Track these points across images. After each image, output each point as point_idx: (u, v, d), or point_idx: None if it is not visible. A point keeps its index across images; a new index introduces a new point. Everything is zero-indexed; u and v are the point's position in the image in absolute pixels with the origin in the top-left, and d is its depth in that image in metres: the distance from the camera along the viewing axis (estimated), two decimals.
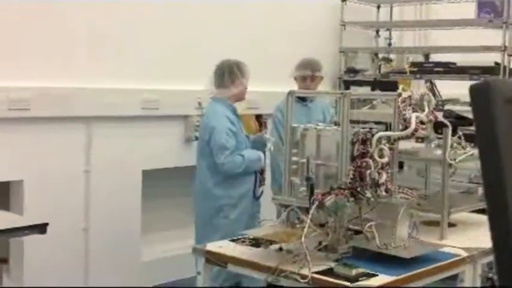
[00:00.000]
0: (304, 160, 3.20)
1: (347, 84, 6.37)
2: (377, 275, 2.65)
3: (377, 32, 6.90)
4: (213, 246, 3.09)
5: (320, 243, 2.86)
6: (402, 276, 2.67)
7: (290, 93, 3.42)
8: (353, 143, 3.01)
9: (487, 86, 0.68)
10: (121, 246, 4.72)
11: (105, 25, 4.61)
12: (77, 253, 4.51)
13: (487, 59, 5.73)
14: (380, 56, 6.80)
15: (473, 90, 0.69)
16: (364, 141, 2.99)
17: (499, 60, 5.60)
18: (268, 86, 5.15)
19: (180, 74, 4.99)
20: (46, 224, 3.38)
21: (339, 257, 2.82)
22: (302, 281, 2.60)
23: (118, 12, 4.67)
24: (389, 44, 6.94)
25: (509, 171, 0.67)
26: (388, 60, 6.64)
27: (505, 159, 0.67)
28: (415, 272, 2.72)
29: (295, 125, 3.30)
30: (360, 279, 2.60)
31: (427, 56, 6.58)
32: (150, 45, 4.87)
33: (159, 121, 4.95)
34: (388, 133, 3.07)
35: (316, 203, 2.77)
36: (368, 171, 2.89)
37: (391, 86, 5.56)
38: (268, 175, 4.61)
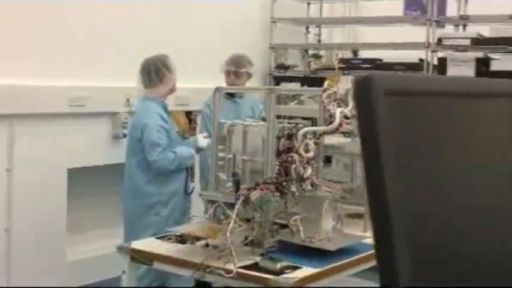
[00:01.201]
0: (231, 156, 3.21)
1: (277, 80, 6.41)
2: (301, 268, 2.69)
3: (307, 28, 6.97)
4: (138, 244, 3.05)
5: (246, 238, 2.87)
6: (326, 268, 2.71)
7: (217, 89, 3.43)
8: (279, 138, 3.04)
9: (368, 79, 0.69)
10: (45, 247, 4.60)
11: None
12: None
13: (417, 56, 5.86)
14: (310, 52, 6.88)
15: (355, 83, 0.70)
16: (290, 137, 3.02)
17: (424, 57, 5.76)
18: (198, 82, 5.12)
19: (108, 71, 4.90)
20: None
21: (265, 251, 2.84)
22: (227, 275, 2.60)
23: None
24: (319, 41, 7.02)
25: (388, 165, 0.68)
26: (317, 57, 6.71)
27: (384, 152, 0.68)
28: (338, 263, 2.77)
29: (222, 120, 3.31)
30: (285, 272, 2.63)
31: (355, 53, 6.69)
32: (74, 41, 4.76)
33: (86, 118, 4.85)
34: (313, 128, 3.11)
35: (242, 198, 2.79)
36: (293, 166, 2.92)
37: (321, 82, 5.61)
38: (197, 170, 4.60)
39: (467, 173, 0.86)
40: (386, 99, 0.68)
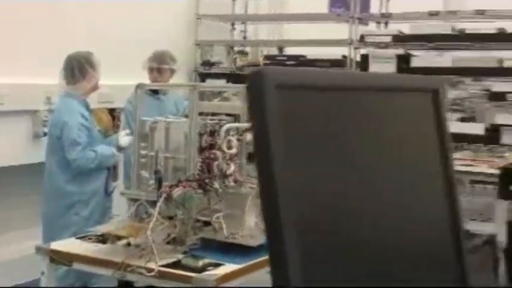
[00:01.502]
0: (153, 153, 3.17)
1: (203, 77, 6.39)
2: (224, 265, 2.68)
3: (232, 25, 6.97)
4: (57, 245, 2.98)
5: (168, 235, 2.84)
6: (248, 264, 2.72)
7: (138, 86, 3.38)
8: (201, 135, 3.03)
9: (259, 73, 0.69)
10: None
11: None
12: None
13: (342, 52, 5.94)
14: (235, 49, 6.88)
15: (248, 78, 0.69)
16: (213, 133, 3.01)
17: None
18: (122, 80, 5.03)
19: (28, 68, 4.75)
20: None
21: (187, 249, 2.82)
22: (148, 274, 2.57)
23: None
24: (245, 37, 7.04)
25: (278, 158, 0.68)
26: (243, 53, 6.73)
27: (274, 146, 0.68)
28: (260, 259, 2.78)
29: (144, 118, 3.27)
30: (207, 269, 2.62)
31: (281, 49, 6.74)
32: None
33: (4, 117, 4.69)
34: (235, 124, 3.11)
35: (164, 195, 2.76)
36: (216, 163, 2.91)
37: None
38: (121, 170, 4.53)
39: (364, 166, 0.87)
40: (277, 92, 0.68)
